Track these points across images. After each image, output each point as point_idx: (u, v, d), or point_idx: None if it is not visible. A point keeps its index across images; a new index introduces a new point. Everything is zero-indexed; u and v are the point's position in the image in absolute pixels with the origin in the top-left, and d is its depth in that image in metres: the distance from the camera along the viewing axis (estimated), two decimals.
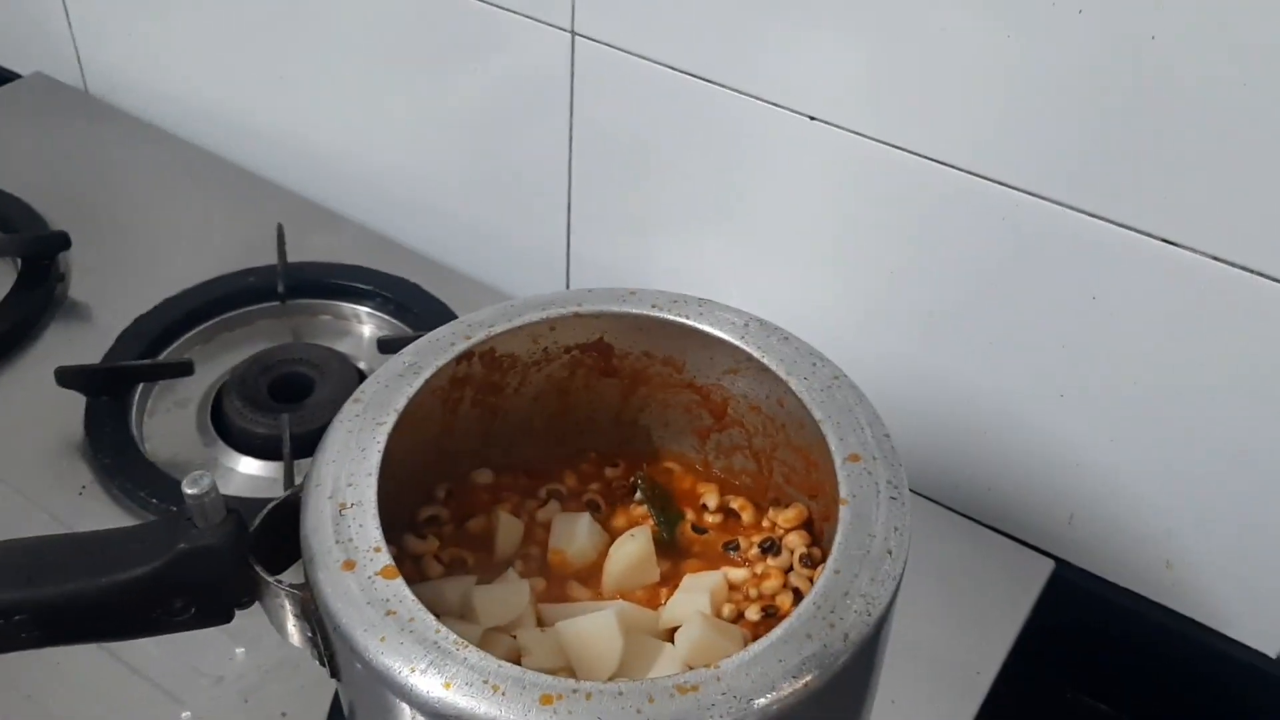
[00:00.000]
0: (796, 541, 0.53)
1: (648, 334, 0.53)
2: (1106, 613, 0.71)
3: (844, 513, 0.43)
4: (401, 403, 0.48)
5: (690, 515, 0.55)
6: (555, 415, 0.56)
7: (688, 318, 0.52)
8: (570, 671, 0.46)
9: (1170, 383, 0.63)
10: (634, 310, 0.52)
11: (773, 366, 0.49)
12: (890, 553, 0.42)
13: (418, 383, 0.49)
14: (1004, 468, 0.72)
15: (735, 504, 0.55)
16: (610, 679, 0.45)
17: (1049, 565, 0.70)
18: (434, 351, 0.50)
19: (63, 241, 0.85)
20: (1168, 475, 0.66)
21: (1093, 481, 0.69)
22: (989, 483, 0.73)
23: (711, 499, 0.56)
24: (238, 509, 0.43)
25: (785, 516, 0.54)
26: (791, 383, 0.48)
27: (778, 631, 0.39)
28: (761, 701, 0.38)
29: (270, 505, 0.45)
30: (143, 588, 0.42)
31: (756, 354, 0.50)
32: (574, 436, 0.57)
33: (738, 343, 0.51)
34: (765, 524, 0.54)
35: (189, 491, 0.41)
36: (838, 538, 0.43)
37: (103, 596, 0.42)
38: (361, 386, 0.49)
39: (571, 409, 0.56)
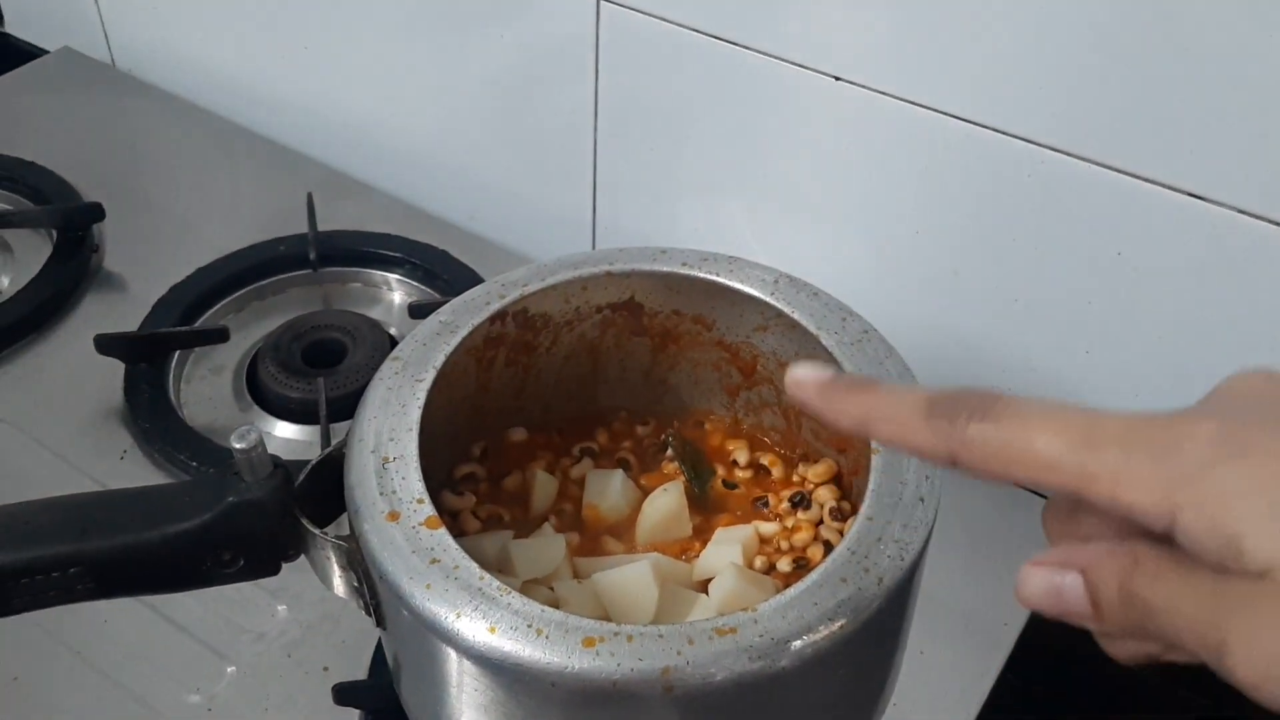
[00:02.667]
0: (826, 495, 0.53)
1: (678, 292, 0.54)
2: None
3: (876, 461, 0.44)
4: (439, 360, 0.49)
5: (721, 471, 0.56)
6: (587, 374, 0.57)
7: (718, 275, 0.52)
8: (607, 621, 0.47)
9: (1196, 337, 0.63)
10: (665, 268, 0.53)
11: (803, 321, 0.50)
12: (922, 500, 0.43)
13: (454, 341, 0.50)
14: None
15: (765, 460, 0.56)
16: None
17: None
18: (469, 311, 0.51)
19: (97, 213, 0.86)
20: None
21: None
22: None
23: (742, 455, 0.56)
24: (284, 463, 0.44)
25: (815, 471, 0.54)
26: (822, 337, 0.49)
27: (814, 576, 0.40)
28: (798, 644, 0.39)
29: (315, 460, 0.46)
30: (193, 540, 0.43)
31: (786, 309, 0.51)
32: (605, 395, 0.58)
33: (768, 299, 0.51)
34: (795, 479, 0.55)
35: (238, 446, 0.43)
36: (870, 485, 0.43)
37: (154, 549, 0.43)
38: (400, 345, 0.50)
39: (602, 368, 0.57)
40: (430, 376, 0.48)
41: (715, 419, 0.58)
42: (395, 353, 0.50)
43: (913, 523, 0.42)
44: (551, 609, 0.39)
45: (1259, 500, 0.26)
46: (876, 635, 0.43)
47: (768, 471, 0.56)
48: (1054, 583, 0.30)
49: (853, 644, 0.40)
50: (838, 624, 0.39)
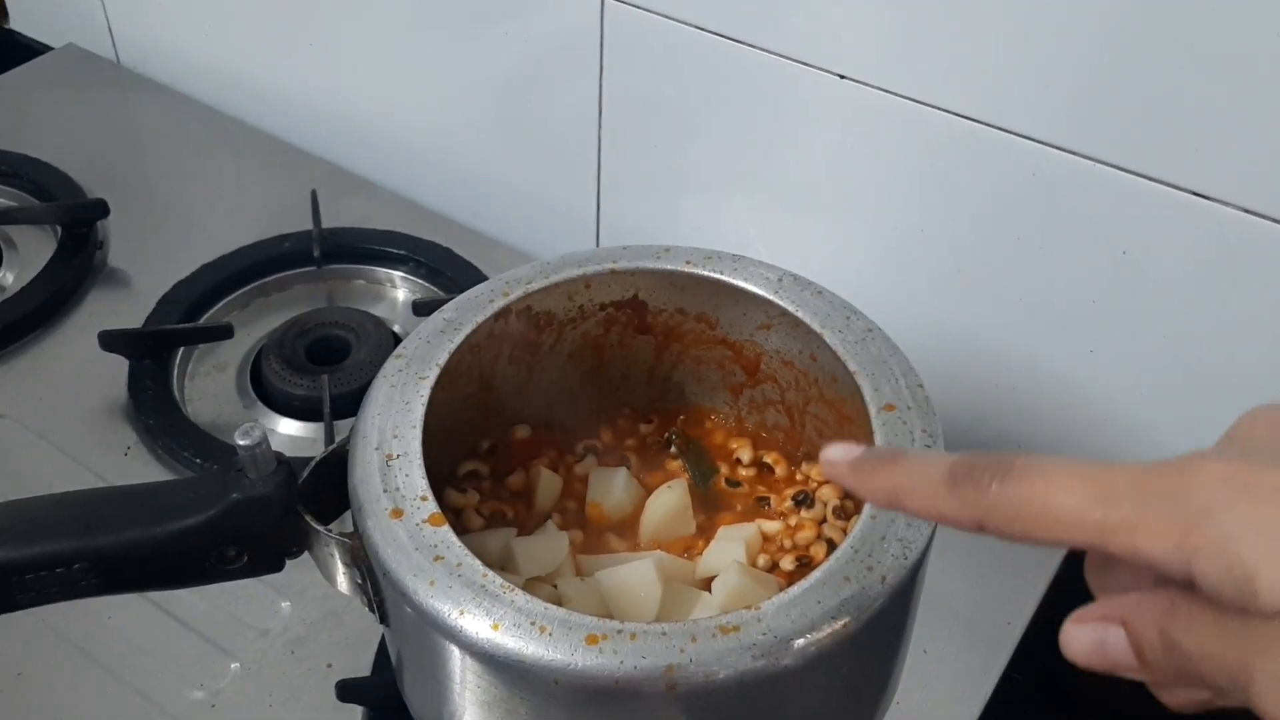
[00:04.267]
0: (829, 494, 0.53)
1: (682, 290, 0.54)
2: None
3: None
4: (443, 358, 0.49)
5: (724, 469, 0.56)
6: (590, 372, 0.57)
7: (722, 273, 0.52)
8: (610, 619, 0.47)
9: (1201, 337, 0.63)
10: (669, 266, 0.53)
11: (806, 320, 0.50)
12: None
13: (458, 339, 0.50)
14: (1034, 423, 0.72)
15: (768, 458, 0.56)
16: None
17: None
18: (473, 308, 0.51)
19: (101, 209, 0.86)
20: (1198, 430, 0.66)
21: (1123, 436, 0.69)
22: (1019, 439, 0.73)
23: (745, 454, 0.56)
24: (288, 460, 0.44)
25: (818, 470, 0.54)
26: (825, 335, 0.49)
27: (817, 574, 0.40)
28: (800, 642, 0.39)
29: (318, 457, 0.46)
30: (197, 537, 0.43)
31: (790, 308, 0.51)
32: (609, 393, 0.58)
33: (771, 297, 0.51)
34: (798, 478, 0.55)
35: (242, 443, 0.43)
36: None
37: (158, 545, 0.43)
38: (404, 343, 0.50)
39: (606, 366, 0.57)
40: (434, 374, 0.48)
41: (718, 417, 0.58)
42: (399, 350, 0.50)
43: (916, 521, 0.42)
44: (555, 606, 0.39)
45: (1269, 541, 0.27)
46: (880, 633, 0.43)
47: (771, 470, 0.56)
48: (1097, 637, 0.31)
49: (856, 642, 0.40)
50: (841, 622, 0.39)
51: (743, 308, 0.53)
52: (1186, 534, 0.27)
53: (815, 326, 0.50)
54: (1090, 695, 0.74)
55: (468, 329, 0.50)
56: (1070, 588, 0.68)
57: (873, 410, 0.46)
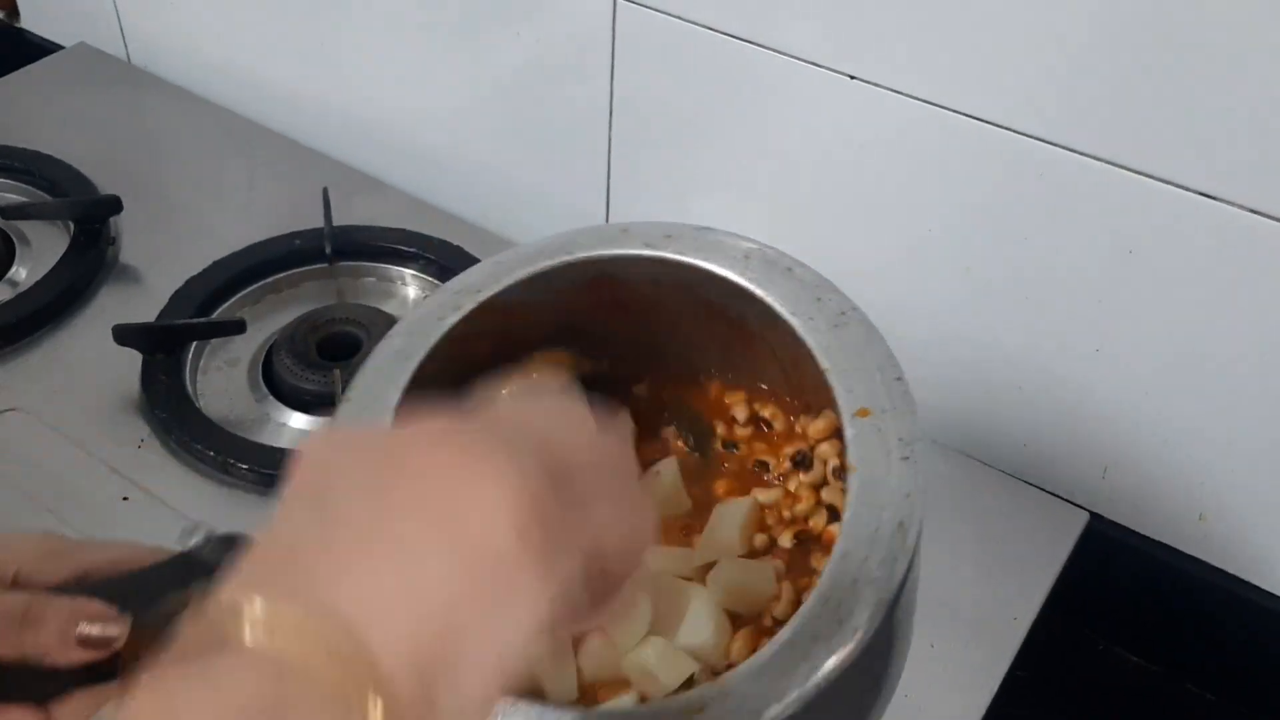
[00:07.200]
0: (828, 451, 0.51)
1: (649, 264, 0.51)
2: (1140, 565, 0.71)
3: (852, 481, 0.41)
4: (394, 397, 0.46)
5: (720, 429, 0.54)
6: (570, 348, 0.55)
7: (683, 254, 0.49)
8: None
9: (1206, 337, 0.63)
10: (626, 251, 0.50)
11: (775, 306, 0.47)
12: (902, 525, 0.40)
13: (410, 368, 0.47)
14: (1039, 422, 0.72)
15: (765, 412, 0.54)
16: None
17: (1083, 517, 0.70)
18: (424, 330, 0.49)
19: (114, 205, 0.86)
20: (1202, 429, 0.66)
21: (1127, 435, 0.69)
22: (1024, 437, 0.73)
23: (740, 410, 0.54)
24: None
25: (816, 427, 0.52)
26: (795, 324, 0.46)
27: (785, 634, 0.38)
28: (771, 713, 0.36)
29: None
30: None
31: (759, 292, 0.48)
32: (594, 364, 0.55)
33: (738, 279, 0.48)
34: (797, 431, 0.53)
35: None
36: (845, 514, 0.40)
37: None
38: (352, 384, 0.47)
39: (585, 337, 0.54)
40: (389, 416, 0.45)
41: (711, 375, 0.56)
42: (347, 394, 0.47)
43: (890, 555, 0.39)
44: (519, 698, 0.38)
45: None
46: (858, 684, 0.40)
47: (768, 425, 0.53)
48: None
49: (830, 698, 0.37)
50: (812, 684, 0.37)
51: (713, 283, 0.50)
52: None
53: (784, 314, 0.46)
54: (1093, 693, 0.74)
55: (419, 357, 0.47)
56: (1073, 589, 0.68)
57: (845, 418, 0.43)
